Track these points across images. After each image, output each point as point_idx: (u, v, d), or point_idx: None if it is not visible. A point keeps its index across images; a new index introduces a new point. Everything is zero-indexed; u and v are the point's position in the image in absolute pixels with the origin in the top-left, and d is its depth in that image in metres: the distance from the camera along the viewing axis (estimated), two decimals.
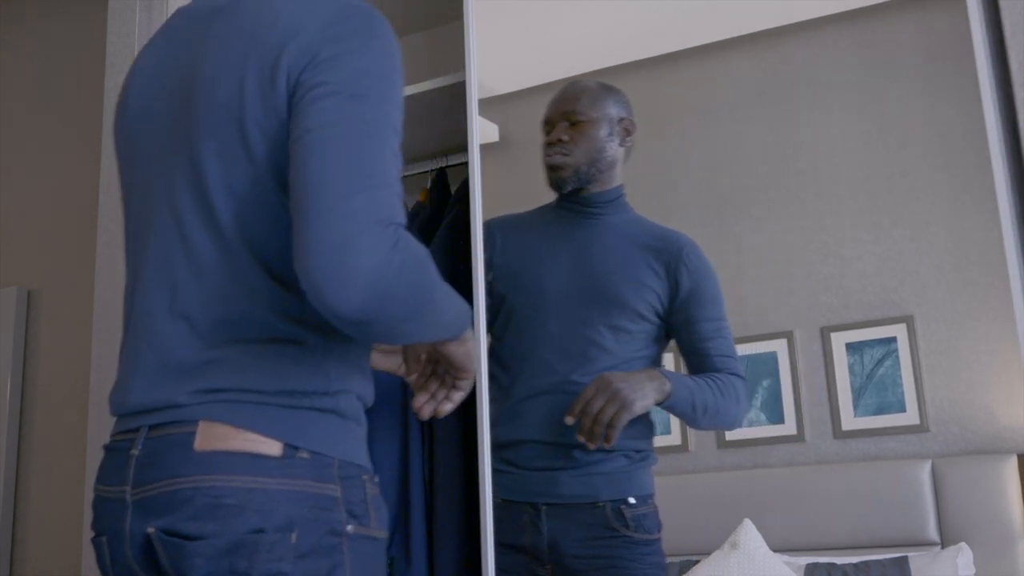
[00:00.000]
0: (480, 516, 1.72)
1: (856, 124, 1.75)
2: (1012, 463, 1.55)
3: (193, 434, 1.15)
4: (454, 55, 2.64)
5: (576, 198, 1.93)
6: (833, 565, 1.62)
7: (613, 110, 1.92)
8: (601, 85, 1.94)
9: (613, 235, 1.88)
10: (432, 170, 2.26)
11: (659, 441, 1.81)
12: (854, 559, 1.61)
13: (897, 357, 1.65)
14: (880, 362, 1.66)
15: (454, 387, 1.42)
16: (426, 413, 1.43)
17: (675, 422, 1.81)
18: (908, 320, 1.65)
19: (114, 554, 1.19)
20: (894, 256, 1.68)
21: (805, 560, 1.64)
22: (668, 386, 1.74)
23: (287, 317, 1.20)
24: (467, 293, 1.94)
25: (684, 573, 1.72)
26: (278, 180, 1.19)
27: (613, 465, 1.80)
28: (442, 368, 1.41)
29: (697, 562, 1.71)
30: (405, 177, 2.34)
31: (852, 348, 1.69)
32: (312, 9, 1.23)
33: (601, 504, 1.78)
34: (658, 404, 1.75)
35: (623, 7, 1.97)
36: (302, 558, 1.12)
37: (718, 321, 1.79)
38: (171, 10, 2.21)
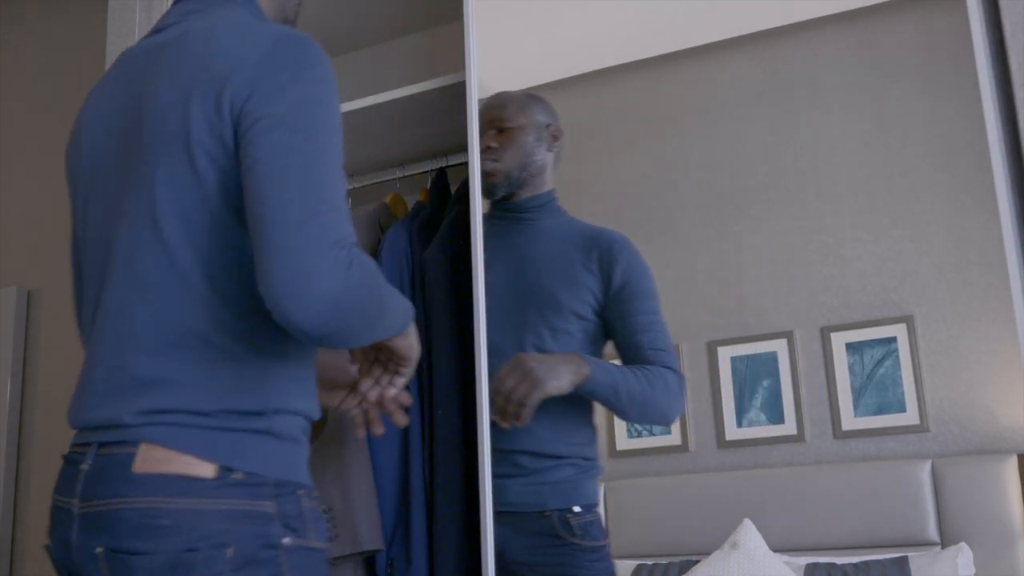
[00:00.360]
0: (480, 516, 1.72)
1: (856, 124, 1.75)
2: (1012, 463, 1.55)
3: (134, 455, 1.22)
4: (454, 55, 2.64)
5: (508, 204, 1.97)
6: (833, 565, 1.62)
7: (539, 116, 1.96)
8: (527, 94, 2.00)
9: (546, 238, 1.92)
10: (432, 170, 2.26)
11: (659, 441, 1.81)
12: (854, 559, 1.61)
13: (897, 357, 1.65)
14: (880, 362, 1.66)
15: (397, 373, 1.54)
16: (372, 396, 1.55)
17: (675, 422, 1.81)
18: (908, 320, 1.65)
19: (59, 562, 1.28)
20: (894, 256, 1.68)
21: (805, 560, 1.64)
22: (586, 369, 1.78)
23: (230, 335, 1.27)
24: (467, 293, 1.94)
25: (684, 573, 1.72)
26: (228, 205, 1.27)
27: (561, 474, 1.83)
28: (384, 356, 1.52)
29: (697, 562, 1.72)
30: (405, 177, 2.34)
31: (852, 348, 1.69)
32: (251, 40, 1.31)
33: (548, 513, 1.81)
34: (577, 388, 1.78)
35: (623, 7, 1.97)
36: (239, 571, 1.20)
37: (652, 315, 1.81)
38: None
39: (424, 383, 1.95)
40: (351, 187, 2.36)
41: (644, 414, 1.81)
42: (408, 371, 1.53)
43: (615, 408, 1.81)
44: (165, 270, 1.27)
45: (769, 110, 1.82)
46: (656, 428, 1.82)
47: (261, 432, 1.27)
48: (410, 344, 1.46)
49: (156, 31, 1.43)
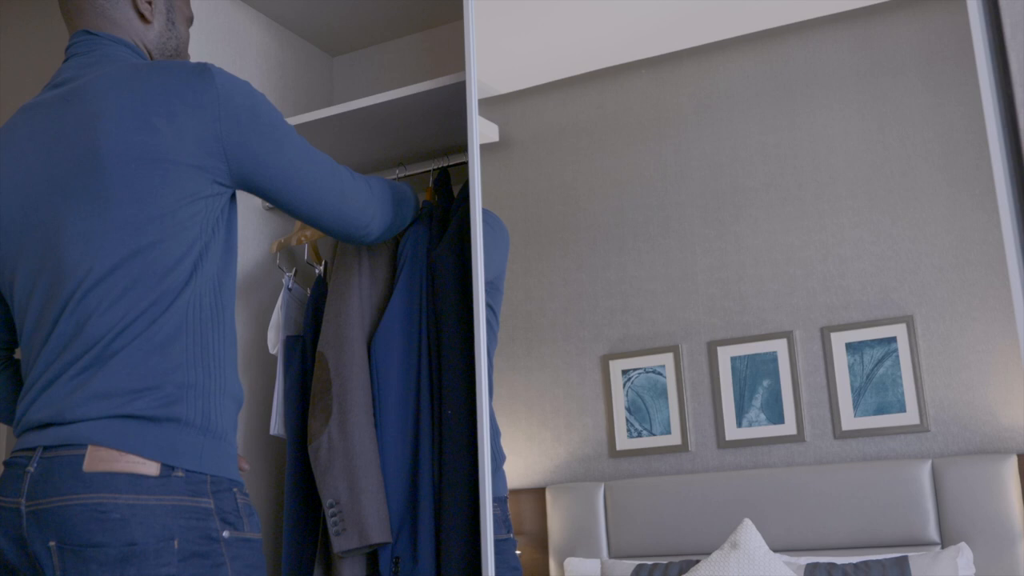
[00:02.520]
0: (481, 516, 1.72)
1: (856, 124, 1.75)
2: (1012, 463, 1.55)
3: (82, 456, 1.33)
4: (454, 55, 2.64)
5: None
6: (833, 565, 1.62)
7: None
8: None
9: None
10: (434, 169, 2.26)
11: (659, 441, 1.81)
12: (854, 559, 1.61)
13: (897, 357, 1.65)
14: (880, 362, 1.66)
15: None
16: None
17: (675, 422, 1.81)
18: (908, 320, 1.65)
19: (8, 558, 1.38)
20: (894, 256, 1.68)
21: (805, 560, 1.64)
22: None
23: (174, 319, 1.40)
24: (467, 293, 1.95)
25: (684, 573, 1.72)
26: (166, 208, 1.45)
27: None
28: None
29: (697, 562, 1.71)
30: (406, 177, 2.34)
31: (852, 348, 1.69)
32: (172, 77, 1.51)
33: None
34: None
35: (623, 7, 1.97)
36: (185, 561, 1.32)
37: None
38: None
39: (434, 383, 1.95)
40: None
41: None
42: None
43: None
44: (104, 268, 1.42)
45: (769, 110, 1.82)
46: (656, 428, 1.82)
47: (200, 431, 1.40)
48: None
49: (56, 85, 1.56)
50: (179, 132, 1.43)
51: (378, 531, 1.87)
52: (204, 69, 1.50)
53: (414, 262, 2.03)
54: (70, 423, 1.36)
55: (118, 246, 1.41)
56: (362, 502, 1.87)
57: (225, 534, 1.36)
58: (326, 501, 1.91)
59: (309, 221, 1.67)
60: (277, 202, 1.61)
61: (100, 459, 1.33)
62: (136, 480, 1.32)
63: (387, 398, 1.97)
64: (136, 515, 1.30)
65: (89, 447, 1.34)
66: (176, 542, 1.31)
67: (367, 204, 1.73)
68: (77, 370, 1.38)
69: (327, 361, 2.00)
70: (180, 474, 1.35)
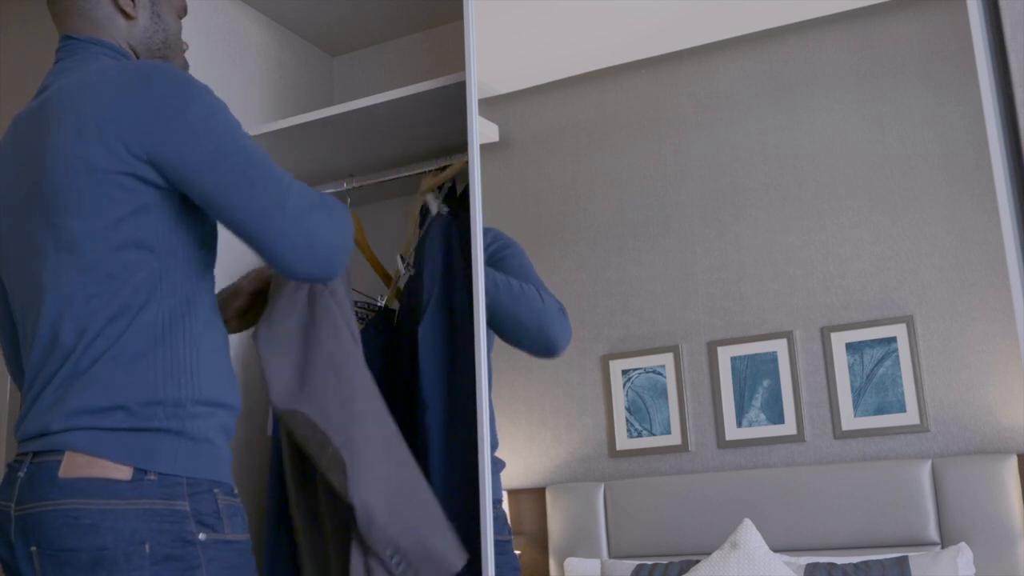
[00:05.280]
0: (480, 515, 1.72)
1: (856, 124, 1.75)
2: (1012, 463, 1.55)
3: (60, 462, 1.35)
4: (454, 55, 2.64)
5: None
6: (833, 565, 1.62)
7: None
8: None
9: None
10: (433, 170, 2.26)
11: (659, 441, 1.81)
12: (854, 559, 1.61)
13: (897, 357, 1.65)
14: (880, 362, 1.66)
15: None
16: None
17: (675, 422, 1.81)
18: (908, 320, 1.65)
19: (5, 560, 1.41)
20: (894, 256, 1.68)
21: (805, 560, 1.64)
22: None
23: (141, 332, 1.40)
24: (467, 293, 1.94)
25: (684, 573, 1.72)
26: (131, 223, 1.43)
27: None
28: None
29: (697, 562, 1.71)
30: (406, 177, 2.34)
31: (852, 348, 1.69)
32: (123, 81, 1.46)
33: None
34: None
35: (623, 7, 1.97)
36: (158, 565, 1.32)
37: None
38: None
39: (456, 377, 1.94)
40: (352, 187, 2.36)
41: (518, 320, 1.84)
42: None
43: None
44: (80, 276, 1.43)
45: (769, 110, 1.82)
46: (656, 428, 1.82)
47: (176, 434, 1.39)
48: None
49: (38, 93, 1.56)
50: (110, 140, 1.40)
51: (456, 554, 1.62)
52: (146, 72, 1.44)
53: (443, 258, 1.98)
54: (54, 433, 1.38)
55: (67, 264, 1.41)
56: (424, 539, 1.58)
57: (201, 536, 1.36)
58: (385, 552, 1.59)
59: (246, 236, 1.43)
60: (213, 212, 1.43)
61: (76, 465, 1.35)
62: (108, 485, 1.33)
63: (433, 387, 1.88)
64: (107, 520, 1.32)
65: (67, 453, 1.36)
66: (147, 546, 1.32)
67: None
68: (55, 386, 1.40)
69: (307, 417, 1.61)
70: (152, 477, 1.35)
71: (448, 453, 1.87)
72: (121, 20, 1.61)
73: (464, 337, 1.90)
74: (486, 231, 1.88)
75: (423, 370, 1.89)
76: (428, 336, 1.92)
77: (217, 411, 1.45)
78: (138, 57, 1.64)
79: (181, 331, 1.43)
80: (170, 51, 1.68)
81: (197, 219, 1.48)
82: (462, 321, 1.92)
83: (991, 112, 1.58)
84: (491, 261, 1.87)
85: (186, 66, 1.75)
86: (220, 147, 1.41)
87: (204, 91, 1.46)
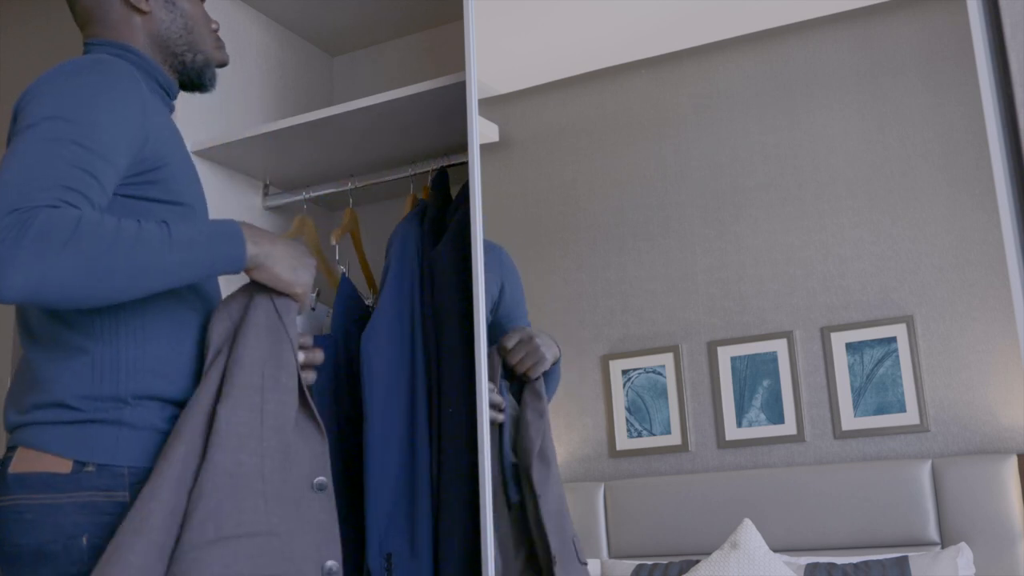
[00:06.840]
0: (480, 514, 1.72)
1: (856, 124, 1.75)
2: (1012, 463, 1.55)
3: (11, 459, 1.38)
4: (454, 55, 2.64)
5: None
6: (833, 565, 1.62)
7: None
8: None
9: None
10: (433, 170, 2.26)
11: (659, 441, 1.81)
12: (854, 559, 1.61)
13: (897, 357, 1.65)
14: (880, 362, 1.66)
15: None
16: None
17: (675, 422, 1.81)
18: (908, 320, 1.65)
19: None
20: (894, 256, 1.68)
21: (805, 560, 1.64)
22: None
23: (79, 330, 1.40)
24: (467, 292, 1.94)
25: (684, 573, 1.72)
26: None
27: None
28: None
29: (697, 562, 1.71)
30: (406, 177, 2.34)
31: (852, 348, 1.69)
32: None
33: None
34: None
35: (623, 7, 1.97)
36: (96, 558, 1.30)
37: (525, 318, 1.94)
38: None
39: (433, 380, 1.95)
40: (351, 187, 2.36)
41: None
42: (301, 298, 1.51)
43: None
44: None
45: (769, 110, 1.82)
46: (656, 428, 1.82)
47: (116, 423, 1.38)
48: (275, 276, 1.46)
49: None
50: None
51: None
52: (62, 64, 1.41)
53: (402, 261, 2.01)
54: (12, 430, 1.43)
55: None
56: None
57: None
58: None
59: None
60: None
61: (24, 460, 1.37)
62: (49, 479, 1.34)
63: (375, 394, 1.94)
64: (48, 515, 1.33)
65: (19, 449, 1.39)
66: (85, 539, 1.32)
67: None
68: (17, 384, 1.45)
69: None
70: (91, 469, 1.35)
71: (383, 464, 1.91)
72: (136, 17, 1.59)
73: (411, 343, 1.96)
74: (490, 248, 1.91)
75: (363, 379, 1.95)
76: (368, 343, 1.96)
77: (165, 405, 1.43)
78: (166, 49, 1.61)
79: (123, 325, 1.42)
80: (194, 35, 1.64)
81: (142, 211, 1.42)
82: (406, 329, 1.97)
83: (991, 112, 1.58)
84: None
85: (220, 45, 1.71)
86: (14, 132, 1.33)
87: (70, 76, 1.36)
